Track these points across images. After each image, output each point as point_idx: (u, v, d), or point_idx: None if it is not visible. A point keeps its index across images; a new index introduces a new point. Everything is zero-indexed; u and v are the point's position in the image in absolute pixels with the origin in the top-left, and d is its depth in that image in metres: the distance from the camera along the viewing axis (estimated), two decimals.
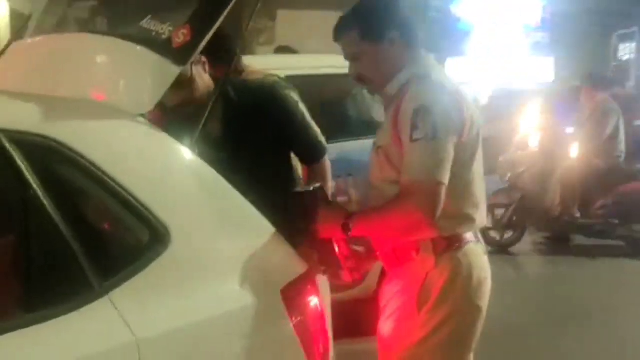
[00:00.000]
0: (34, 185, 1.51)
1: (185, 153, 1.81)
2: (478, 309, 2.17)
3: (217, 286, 1.74)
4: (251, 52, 10.07)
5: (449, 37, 20.25)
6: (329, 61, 4.56)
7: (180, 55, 1.82)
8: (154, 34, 1.88)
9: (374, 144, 2.21)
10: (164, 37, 1.86)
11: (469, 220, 2.16)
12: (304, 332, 1.87)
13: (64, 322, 1.48)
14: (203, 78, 2.46)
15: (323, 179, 2.71)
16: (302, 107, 2.73)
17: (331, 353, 2.01)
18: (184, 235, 1.71)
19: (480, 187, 2.20)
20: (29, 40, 2.21)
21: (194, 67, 2.40)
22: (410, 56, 2.18)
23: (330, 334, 1.99)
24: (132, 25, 1.94)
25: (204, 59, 2.47)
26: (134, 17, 1.95)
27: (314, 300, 1.94)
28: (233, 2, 1.83)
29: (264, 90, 2.64)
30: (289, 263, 1.93)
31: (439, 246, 2.11)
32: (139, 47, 1.84)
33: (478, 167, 2.19)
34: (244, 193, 1.87)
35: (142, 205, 1.65)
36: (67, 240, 1.52)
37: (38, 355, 1.43)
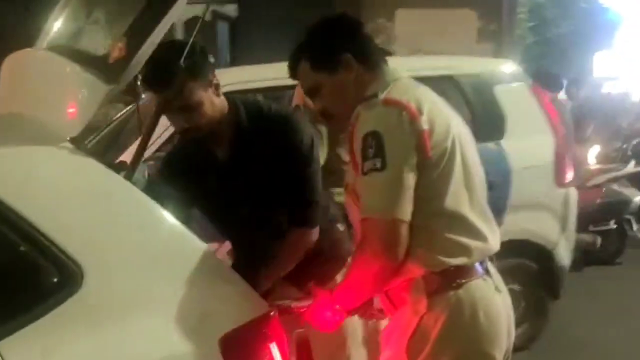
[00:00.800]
0: None
1: (113, 180, 1.63)
2: (487, 356, 1.84)
3: (138, 333, 1.55)
4: None
5: (597, 28, 19.10)
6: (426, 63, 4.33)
7: (113, 72, 1.65)
8: (92, 49, 1.72)
9: (345, 183, 1.95)
10: (102, 52, 1.70)
11: (464, 250, 1.84)
12: None
13: None
14: (213, 102, 2.21)
15: (295, 251, 2.30)
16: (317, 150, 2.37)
17: None
18: (101, 275, 1.54)
19: (476, 205, 1.88)
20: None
21: (202, 91, 2.15)
22: (371, 77, 1.93)
23: None
24: (77, 39, 1.79)
25: (216, 80, 2.24)
26: (81, 30, 1.81)
27: (273, 349, 1.71)
28: (167, 17, 1.64)
29: (280, 119, 2.32)
30: (237, 306, 1.70)
31: (431, 284, 1.82)
32: (72, 65, 1.69)
33: (469, 183, 1.87)
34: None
35: (52, 242, 1.50)
36: None
37: None
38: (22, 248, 1.50)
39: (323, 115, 2.00)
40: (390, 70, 1.97)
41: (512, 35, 11.52)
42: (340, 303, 1.90)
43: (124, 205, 1.64)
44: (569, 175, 4.19)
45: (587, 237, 5.83)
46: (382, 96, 1.85)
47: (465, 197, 1.86)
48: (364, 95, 1.89)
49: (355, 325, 2.39)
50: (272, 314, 1.75)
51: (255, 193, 2.27)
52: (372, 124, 1.79)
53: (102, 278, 1.54)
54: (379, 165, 1.75)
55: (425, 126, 1.80)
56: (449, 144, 1.84)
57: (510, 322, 1.93)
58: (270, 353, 1.70)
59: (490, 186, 4.12)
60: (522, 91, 4.22)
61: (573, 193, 4.25)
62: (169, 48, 2.02)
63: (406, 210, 1.76)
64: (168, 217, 1.67)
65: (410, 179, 1.77)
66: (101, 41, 1.73)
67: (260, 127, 2.25)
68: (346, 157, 2.35)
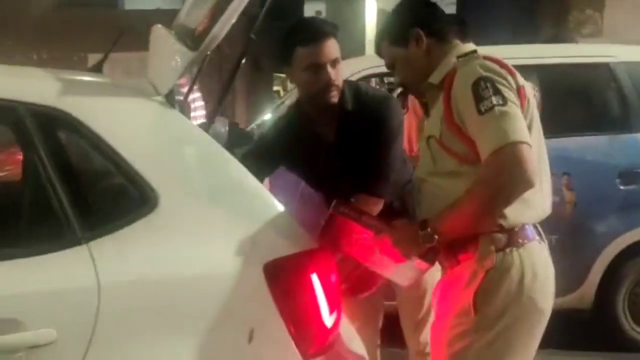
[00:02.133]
0: (40, 148, 1.89)
1: (190, 129, 2.05)
2: (542, 312, 2.09)
3: (195, 250, 1.95)
4: None
5: None
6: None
7: (195, 41, 2.05)
8: (189, 23, 2.15)
9: (423, 135, 2.20)
10: (193, 26, 2.12)
11: (530, 211, 2.07)
12: (291, 309, 1.98)
13: (43, 259, 1.84)
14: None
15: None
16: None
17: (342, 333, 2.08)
18: (172, 201, 1.95)
19: (542, 168, 2.09)
20: None
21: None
22: (443, 50, 2.18)
23: (329, 312, 2.04)
24: (184, 16, 2.23)
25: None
26: (188, 9, 2.24)
27: (314, 279, 2.02)
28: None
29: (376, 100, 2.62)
30: (284, 240, 2.03)
31: (498, 242, 2.04)
32: (171, 37, 2.12)
33: (536, 144, 2.06)
34: None
35: (135, 171, 1.94)
36: (59, 193, 1.87)
37: (6, 283, 1.80)
38: (114, 174, 1.96)
39: (402, 86, 2.30)
40: (463, 46, 2.21)
41: None
42: (441, 224, 2.02)
43: (196, 148, 2.06)
44: None
45: None
46: (478, 54, 2.11)
47: (540, 158, 2.08)
48: (432, 69, 2.16)
49: (434, 279, 2.60)
50: (316, 250, 2.07)
51: (353, 169, 2.59)
52: (480, 71, 2.03)
53: (174, 203, 1.95)
54: (501, 101, 1.96)
55: (521, 82, 2.06)
56: (532, 110, 2.08)
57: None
58: (310, 282, 2.02)
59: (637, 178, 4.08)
60: None
61: None
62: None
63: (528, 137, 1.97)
64: (233, 161, 2.06)
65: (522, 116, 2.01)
66: (196, 17, 2.14)
67: (360, 109, 2.58)
68: None
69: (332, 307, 2.07)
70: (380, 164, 2.57)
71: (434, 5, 2.30)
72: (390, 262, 2.16)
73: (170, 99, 2.09)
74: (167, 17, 2.39)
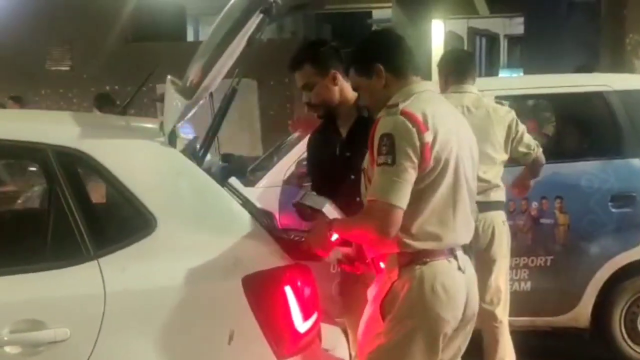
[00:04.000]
0: (62, 181, 2.37)
1: (185, 164, 2.48)
2: (443, 321, 2.42)
3: (187, 265, 2.38)
4: (631, 69, 9.49)
5: None
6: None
7: (189, 92, 2.49)
8: (187, 77, 2.59)
9: (362, 167, 2.59)
10: (189, 77, 2.56)
11: (434, 238, 2.42)
12: (265, 316, 2.38)
13: (60, 272, 2.31)
14: (329, 88, 3.15)
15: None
16: None
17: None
18: (168, 225, 2.40)
19: (458, 208, 2.45)
20: None
21: (317, 76, 3.15)
22: (399, 85, 2.54)
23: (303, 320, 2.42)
24: (189, 67, 2.67)
25: (333, 73, 3.16)
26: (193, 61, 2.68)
27: (288, 291, 2.41)
28: (225, 54, 2.42)
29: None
30: (263, 257, 2.44)
31: (402, 259, 2.45)
32: (171, 87, 2.57)
33: (457, 189, 2.45)
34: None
35: (138, 200, 2.39)
36: (76, 217, 2.34)
37: (33, 291, 2.28)
38: (121, 203, 2.42)
39: (367, 109, 2.80)
40: (417, 83, 2.57)
41: None
42: (337, 225, 2.48)
43: (190, 181, 2.49)
44: None
45: None
46: (401, 106, 2.44)
47: (449, 200, 2.44)
48: (389, 99, 2.52)
49: None
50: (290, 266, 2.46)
51: (356, 170, 2.96)
52: (389, 127, 2.39)
53: (169, 227, 2.39)
54: (389, 161, 2.34)
55: (428, 139, 2.38)
56: (444, 156, 2.41)
57: (471, 297, 2.49)
58: (284, 293, 2.41)
59: (632, 201, 4.33)
60: None
61: None
62: (309, 43, 3.28)
63: (404, 200, 2.36)
64: (220, 190, 2.49)
65: (412, 176, 2.37)
66: (192, 69, 2.58)
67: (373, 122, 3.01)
68: None
69: (306, 315, 2.45)
70: None
71: (399, 42, 2.64)
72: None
73: (171, 138, 2.53)
74: None
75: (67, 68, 11.76)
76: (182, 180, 2.49)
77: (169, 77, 2.70)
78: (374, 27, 19.07)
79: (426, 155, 2.36)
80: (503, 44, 23.32)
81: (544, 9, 15.94)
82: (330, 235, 2.48)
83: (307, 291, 2.50)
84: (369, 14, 20.58)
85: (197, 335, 2.34)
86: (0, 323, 2.21)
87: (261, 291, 2.39)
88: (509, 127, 3.80)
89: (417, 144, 2.35)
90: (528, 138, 3.88)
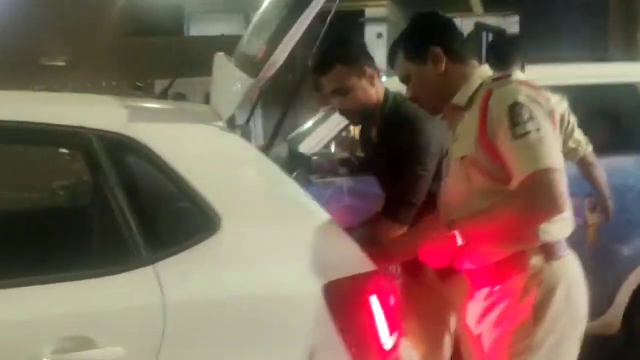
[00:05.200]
0: (109, 173, 2.01)
1: (251, 153, 2.13)
2: (583, 320, 2.19)
3: (257, 272, 2.03)
4: None
5: None
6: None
7: (254, 69, 2.14)
8: (250, 51, 2.24)
9: (452, 156, 2.23)
10: (253, 54, 2.20)
11: (567, 223, 2.13)
12: (350, 330, 2.02)
13: (111, 280, 1.94)
14: (366, 90, 2.70)
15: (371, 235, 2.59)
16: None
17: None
18: (234, 224, 2.04)
19: None
20: None
21: (354, 78, 2.67)
22: (462, 72, 2.22)
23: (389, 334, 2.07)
24: (244, 45, 2.32)
25: (372, 72, 2.70)
26: (249, 37, 2.33)
27: (373, 301, 2.06)
28: (298, 24, 2.08)
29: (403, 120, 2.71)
30: (343, 261, 2.08)
31: (546, 256, 2.10)
32: (231, 64, 2.21)
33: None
34: None
35: (200, 196, 2.04)
36: (126, 215, 1.97)
37: (80, 302, 1.91)
38: (179, 199, 2.06)
39: (413, 100, 2.34)
40: (481, 68, 2.26)
41: None
42: (466, 229, 2.06)
43: (257, 172, 2.14)
44: None
45: None
46: (513, 78, 2.17)
47: None
48: (449, 88, 2.21)
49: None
50: (375, 272, 2.10)
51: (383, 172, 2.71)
52: (515, 96, 2.07)
53: (235, 226, 2.03)
54: (535, 127, 2.01)
55: (554, 107, 2.14)
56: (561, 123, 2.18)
57: None
58: (369, 304, 2.06)
59: None
60: None
61: None
62: (333, 41, 2.62)
63: (563, 163, 2.04)
64: (293, 184, 2.12)
65: (558, 140, 2.08)
66: (256, 45, 2.23)
67: (390, 122, 2.69)
68: None
69: (392, 330, 2.10)
70: (400, 187, 2.63)
71: (454, 25, 2.34)
72: None
73: (231, 124, 2.17)
74: (231, 43, 2.48)
75: (63, 63, 11.36)
76: (248, 171, 2.13)
77: (220, 54, 2.34)
78: (367, 27, 18.78)
79: (553, 123, 2.09)
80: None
81: (539, 8, 15.75)
82: (453, 242, 2.06)
83: (391, 300, 2.15)
84: (362, 13, 20.28)
85: (273, 354, 1.98)
86: (40, 341, 1.84)
87: (345, 301, 2.04)
88: (562, 118, 3.45)
89: (546, 109, 2.07)
90: (579, 133, 3.54)
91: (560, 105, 3.47)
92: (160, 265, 1.97)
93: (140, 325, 1.92)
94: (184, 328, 1.94)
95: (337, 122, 3.95)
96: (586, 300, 2.17)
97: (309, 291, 2.01)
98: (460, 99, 2.21)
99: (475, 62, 2.26)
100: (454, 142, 2.23)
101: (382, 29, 18.02)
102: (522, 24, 17.52)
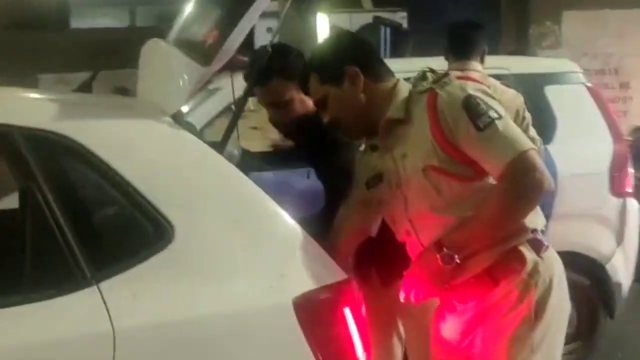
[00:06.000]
0: (37, 177, 1.69)
1: (204, 152, 1.86)
2: (569, 304, 2.13)
3: (217, 286, 1.78)
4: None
5: None
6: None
7: (207, 56, 1.89)
8: (194, 37, 1.98)
9: (412, 170, 2.04)
10: (200, 39, 1.94)
11: (539, 212, 2.05)
12: (324, 346, 1.81)
13: (49, 305, 1.64)
14: (304, 101, 2.52)
15: None
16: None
17: None
18: (189, 232, 1.78)
19: None
20: None
21: (292, 91, 2.50)
22: (381, 90, 2.09)
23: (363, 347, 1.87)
24: (186, 30, 2.06)
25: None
26: (189, 22, 2.07)
27: (347, 313, 1.85)
28: (254, 8, 1.85)
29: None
30: (312, 271, 1.86)
31: (537, 248, 2.00)
32: (177, 52, 1.94)
33: None
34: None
35: (147, 201, 1.76)
36: (62, 229, 1.68)
37: (14, 334, 1.60)
38: (124, 206, 1.77)
39: (332, 124, 2.16)
40: (401, 82, 2.13)
41: None
42: (455, 241, 1.94)
43: (213, 173, 1.87)
44: (628, 184, 3.97)
45: None
46: (450, 75, 2.05)
47: None
48: (369, 107, 2.08)
49: None
50: (347, 280, 1.90)
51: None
52: (465, 91, 1.97)
53: (191, 236, 1.77)
54: (497, 115, 1.93)
55: (509, 102, 2.15)
56: None
57: None
58: (344, 317, 1.85)
59: None
60: (578, 93, 4.04)
61: (633, 203, 4.01)
62: (265, 49, 2.34)
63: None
64: (252, 185, 1.88)
65: None
66: (201, 30, 1.97)
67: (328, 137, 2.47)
68: None
69: (365, 343, 1.90)
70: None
71: (369, 43, 2.23)
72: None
73: (178, 119, 1.91)
74: (115, 35, 2.22)
75: None
76: (203, 173, 1.86)
77: (157, 40, 2.07)
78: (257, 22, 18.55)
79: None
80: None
81: (429, 3, 16.03)
82: (446, 262, 1.93)
83: (362, 311, 1.95)
84: None
85: None
86: None
87: (318, 316, 1.82)
88: (517, 113, 3.34)
89: (494, 97, 2.00)
90: (533, 131, 3.45)
91: (517, 99, 3.35)
92: (105, 284, 1.68)
93: (87, 357, 1.63)
94: (135, 357, 1.66)
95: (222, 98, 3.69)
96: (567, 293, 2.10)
97: (277, 307, 1.77)
98: (395, 112, 2.06)
99: (392, 77, 2.13)
100: (403, 159, 2.05)
101: (272, 23, 17.87)
102: (411, 20, 17.83)
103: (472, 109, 1.92)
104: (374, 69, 2.11)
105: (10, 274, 1.68)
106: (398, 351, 2.75)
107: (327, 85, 2.10)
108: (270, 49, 2.02)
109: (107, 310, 1.65)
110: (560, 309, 2.04)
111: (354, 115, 2.11)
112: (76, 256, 1.67)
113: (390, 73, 2.16)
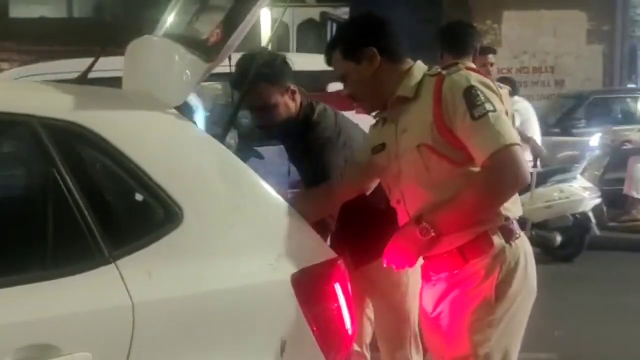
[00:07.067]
0: (58, 163, 1.83)
1: (208, 141, 2.03)
2: (535, 293, 2.27)
3: (222, 264, 1.95)
4: None
5: None
6: None
7: (210, 52, 2.04)
8: (197, 34, 2.13)
9: (407, 145, 2.24)
10: (203, 37, 2.10)
11: (518, 201, 2.24)
12: (318, 318, 2.00)
13: (70, 281, 1.78)
14: (288, 105, 2.69)
15: None
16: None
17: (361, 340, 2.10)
18: (196, 215, 1.94)
19: None
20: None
21: (277, 95, 2.65)
22: (396, 70, 2.29)
23: (350, 320, 2.07)
24: (183, 27, 2.20)
25: (293, 87, 2.69)
26: (187, 19, 2.22)
27: (337, 288, 2.05)
28: (256, 7, 2.01)
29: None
30: (307, 251, 2.06)
31: (506, 236, 2.18)
32: (180, 48, 2.09)
33: None
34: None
35: (158, 186, 1.92)
36: (82, 211, 1.82)
37: (37, 307, 1.74)
38: (136, 191, 1.93)
39: (351, 98, 2.37)
40: (417, 63, 2.33)
41: (626, 36, 11.31)
42: (436, 219, 2.13)
43: (216, 160, 2.05)
44: None
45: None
46: (461, 66, 2.22)
47: None
48: (384, 86, 2.28)
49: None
50: (336, 259, 2.10)
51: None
52: (466, 81, 2.15)
53: (198, 218, 1.94)
54: (492, 108, 2.10)
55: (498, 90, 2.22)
56: None
57: None
58: (334, 291, 2.05)
59: None
60: None
61: None
62: (253, 56, 2.55)
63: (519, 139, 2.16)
64: (251, 173, 2.06)
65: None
66: (204, 27, 2.13)
67: (306, 138, 2.70)
68: None
69: (352, 315, 2.11)
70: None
71: (390, 23, 2.39)
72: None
73: (181, 111, 2.06)
74: (51, 25, 2.34)
75: None
76: (207, 160, 2.02)
77: (154, 37, 2.21)
78: None
79: (502, 106, 2.18)
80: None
81: (369, 1, 16.31)
82: (423, 234, 2.12)
83: (349, 287, 2.15)
84: None
85: (245, 348, 1.91)
86: None
87: (313, 290, 2.02)
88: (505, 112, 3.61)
89: (496, 93, 2.17)
90: None
91: (509, 99, 3.64)
92: (122, 262, 1.83)
93: (107, 328, 1.78)
94: (153, 328, 1.82)
95: None
96: (535, 274, 2.27)
97: (277, 282, 1.97)
98: (405, 90, 2.26)
99: (409, 59, 2.33)
100: (403, 133, 2.25)
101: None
102: (352, 14, 18.11)
103: (471, 98, 2.09)
104: (392, 51, 2.29)
105: (34, 253, 1.82)
106: (368, 330, 2.96)
107: (348, 62, 2.29)
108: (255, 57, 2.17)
109: (125, 285, 1.81)
110: (523, 294, 2.20)
111: (368, 91, 2.30)
112: (95, 236, 1.82)
113: (406, 54, 2.33)
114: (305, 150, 2.69)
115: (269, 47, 2.51)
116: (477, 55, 3.79)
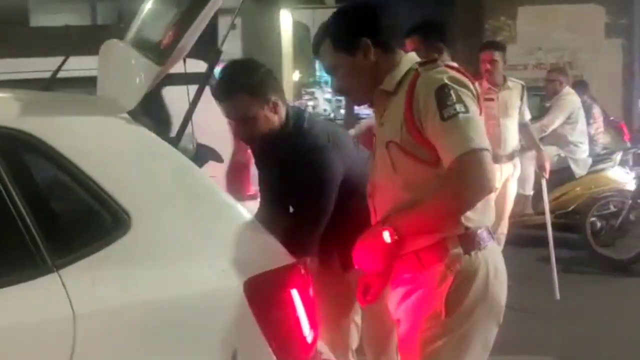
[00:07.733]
0: (1, 171, 1.80)
1: (160, 146, 1.99)
2: (502, 309, 2.16)
3: (172, 271, 1.90)
4: None
5: None
6: None
7: (161, 55, 2.00)
8: (151, 37, 2.09)
9: (380, 140, 2.18)
10: (157, 40, 2.06)
11: (490, 209, 2.15)
12: (273, 326, 1.94)
13: (9, 291, 1.75)
14: (268, 118, 2.59)
15: None
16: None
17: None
18: (145, 222, 1.90)
19: None
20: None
21: (257, 107, 2.56)
22: (389, 61, 2.19)
23: (309, 328, 2.01)
24: (144, 30, 2.17)
25: (275, 99, 2.60)
26: (148, 22, 2.19)
27: (294, 295, 1.99)
28: (207, 9, 1.97)
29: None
30: (261, 256, 2.00)
31: (465, 245, 2.08)
32: (134, 52, 2.06)
33: None
34: None
35: (106, 193, 1.88)
36: (25, 219, 1.78)
37: None
38: (83, 198, 1.89)
39: (339, 91, 2.29)
40: (407, 55, 2.24)
41: None
42: (399, 222, 2.05)
43: (167, 165, 2.00)
44: None
45: None
46: (439, 63, 2.14)
47: None
48: (377, 78, 2.17)
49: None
50: (295, 265, 2.04)
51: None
52: (442, 79, 2.05)
53: (147, 224, 1.89)
54: (463, 109, 1.99)
55: (476, 90, 2.12)
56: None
57: None
58: (291, 298, 1.99)
59: None
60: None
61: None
62: (236, 65, 2.52)
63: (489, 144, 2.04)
64: (203, 176, 2.01)
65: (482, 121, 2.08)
66: (157, 31, 2.09)
67: (291, 153, 2.60)
68: None
69: (312, 322, 2.05)
70: (301, 219, 2.60)
71: (382, 15, 2.29)
72: None
73: (135, 115, 2.02)
74: (76, 34, 2.33)
75: None
76: (157, 165, 1.98)
77: (115, 40, 2.18)
78: (220, 17, 18.52)
79: (480, 107, 2.08)
80: None
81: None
82: (392, 240, 2.05)
83: (310, 293, 2.09)
84: None
85: (196, 356, 1.86)
86: None
87: (267, 296, 1.96)
88: None
89: (473, 93, 2.07)
90: None
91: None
92: (65, 271, 1.80)
93: (47, 341, 1.75)
94: (96, 340, 1.78)
95: None
96: (505, 289, 2.16)
97: (228, 289, 1.91)
98: (388, 84, 2.17)
99: (401, 51, 2.24)
100: (380, 127, 2.19)
101: (236, 19, 17.85)
102: None
103: (442, 97, 1.99)
104: (385, 41, 2.20)
105: None
106: (355, 335, 2.89)
107: (340, 54, 2.19)
108: (221, 49, 2.13)
109: (68, 294, 1.77)
110: (482, 308, 2.08)
111: (361, 84, 2.21)
112: (38, 245, 1.78)
113: (399, 46, 2.25)
114: (290, 167, 2.59)
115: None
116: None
